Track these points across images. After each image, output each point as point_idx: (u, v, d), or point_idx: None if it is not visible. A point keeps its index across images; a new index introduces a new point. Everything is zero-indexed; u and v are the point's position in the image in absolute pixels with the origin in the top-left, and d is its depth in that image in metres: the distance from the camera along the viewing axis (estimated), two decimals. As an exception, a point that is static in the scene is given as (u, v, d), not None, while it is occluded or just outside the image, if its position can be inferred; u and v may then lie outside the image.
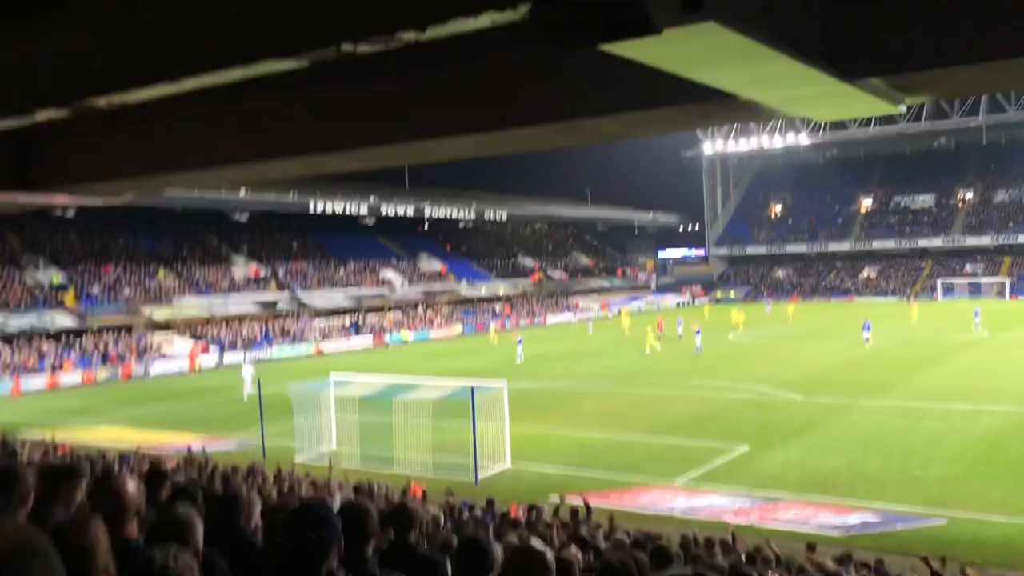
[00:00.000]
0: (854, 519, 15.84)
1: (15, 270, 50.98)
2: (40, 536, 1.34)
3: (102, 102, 5.48)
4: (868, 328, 43.83)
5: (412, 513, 4.72)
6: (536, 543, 3.59)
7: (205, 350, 49.81)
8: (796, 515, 16.17)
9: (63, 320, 47.76)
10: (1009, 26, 4.67)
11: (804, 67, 4.52)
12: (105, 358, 46.07)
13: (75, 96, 5.42)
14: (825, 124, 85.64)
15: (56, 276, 51.88)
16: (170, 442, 24.90)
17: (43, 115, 6.06)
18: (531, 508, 12.73)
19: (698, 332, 45.32)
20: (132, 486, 3.59)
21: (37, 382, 41.46)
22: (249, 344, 52.67)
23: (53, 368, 43.18)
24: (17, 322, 45.72)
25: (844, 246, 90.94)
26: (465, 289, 74.88)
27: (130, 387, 41.35)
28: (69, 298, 50.29)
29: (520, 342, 45.29)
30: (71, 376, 43.01)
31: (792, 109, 6.14)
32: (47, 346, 45.56)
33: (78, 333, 47.79)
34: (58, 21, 5.30)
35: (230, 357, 49.95)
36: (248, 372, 34.29)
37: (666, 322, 54.53)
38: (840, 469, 19.39)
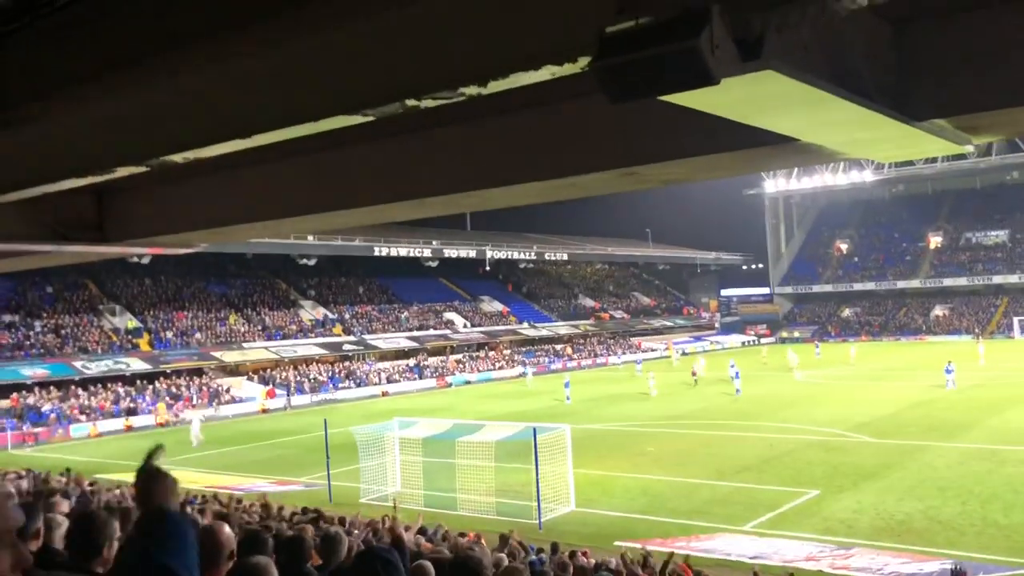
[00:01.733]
0: (932, 567, 15.24)
1: (93, 316, 52.77)
2: None
3: (178, 159, 5.72)
4: (951, 371, 41.07)
5: (475, 563, 4.75)
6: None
7: (272, 395, 50.62)
8: (870, 562, 15.63)
9: (138, 364, 49.12)
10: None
11: (866, 111, 4.49)
12: (178, 401, 47.16)
13: (154, 154, 5.67)
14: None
15: (131, 322, 53.52)
16: (239, 484, 25.27)
17: (121, 172, 6.33)
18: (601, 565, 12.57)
19: (737, 376, 43.89)
20: (227, 531, 3.73)
21: (113, 424, 42.61)
22: (316, 387, 53.43)
23: (128, 411, 44.34)
24: (95, 366, 47.20)
25: (914, 283, 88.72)
26: (527, 330, 74.94)
27: (201, 430, 42.10)
28: (144, 343, 51.81)
29: (567, 384, 45.12)
30: (145, 419, 44.08)
31: (855, 151, 6.09)
32: (123, 389, 46.85)
33: (152, 377, 49.07)
34: (136, 81, 5.56)
35: (297, 400, 50.74)
36: (196, 424, 36.26)
37: (709, 363, 53.24)
38: (915, 515, 18.73)
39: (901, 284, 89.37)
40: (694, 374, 49.24)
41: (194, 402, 47.35)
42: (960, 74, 4.89)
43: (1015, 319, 77.74)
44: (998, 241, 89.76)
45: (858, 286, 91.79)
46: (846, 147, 5.61)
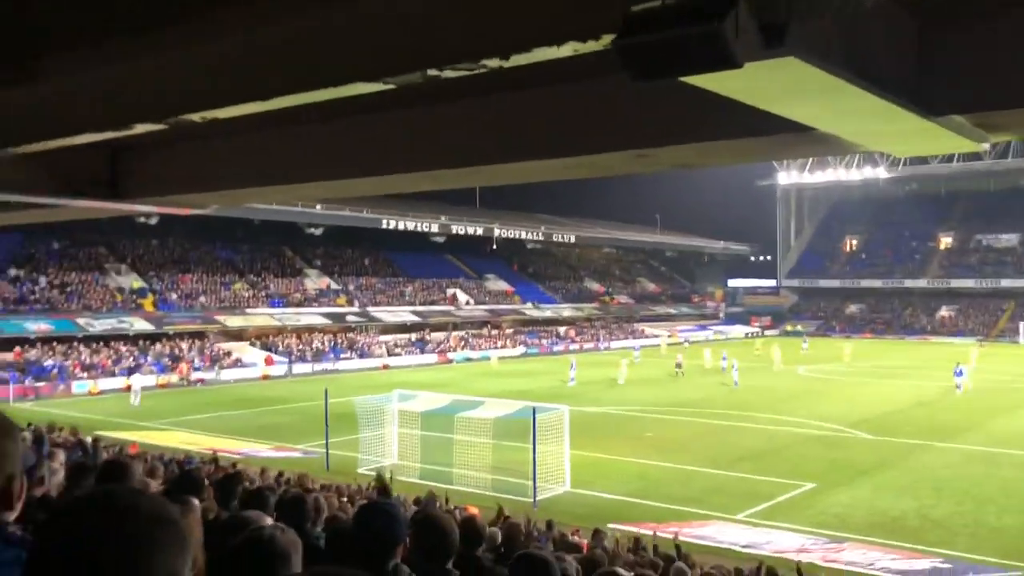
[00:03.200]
0: (923, 564, 15.37)
1: (99, 274, 52.92)
2: (172, 507, 1.42)
3: (196, 118, 5.73)
4: (961, 374, 40.54)
5: (479, 527, 4.83)
6: (622, 571, 3.66)
7: (270, 362, 50.76)
8: (862, 557, 15.75)
9: (141, 324, 49.32)
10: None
11: (885, 103, 4.48)
12: (179, 363, 47.38)
13: (172, 112, 5.69)
14: (905, 158, 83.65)
15: (136, 281, 53.68)
16: (238, 448, 25.47)
17: (139, 128, 6.35)
18: (595, 533, 12.70)
19: (734, 367, 43.90)
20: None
21: (114, 383, 42.86)
22: (318, 356, 53.63)
23: (130, 370, 44.55)
24: (99, 324, 47.39)
25: (921, 283, 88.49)
26: (531, 311, 75.00)
27: (202, 393, 42.43)
28: (148, 303, 51.99)
29: (573, 366, 45.33)
30: (146, 379, 44.26)
31: (871, 144, 6.09)
32: (125, 348, 47.07)
33: (155, 338, 49.29)
34: (159, 42, 5.57)
35: (299, 368, 50.96)
36: (137, 386, 38.14)
37: (688, 356, 52.78)
38: (909, 513, 18.82)
39: (908, 283, 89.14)
40: (678, 365, 49.00)
41: (196, 365, 47.59)
42: (980, 71, 4.88)
43: (1021, 324, 77.51)
44: (1009, 245, 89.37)
45: (865, 283, 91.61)
46: (862, 138, 5.61)
